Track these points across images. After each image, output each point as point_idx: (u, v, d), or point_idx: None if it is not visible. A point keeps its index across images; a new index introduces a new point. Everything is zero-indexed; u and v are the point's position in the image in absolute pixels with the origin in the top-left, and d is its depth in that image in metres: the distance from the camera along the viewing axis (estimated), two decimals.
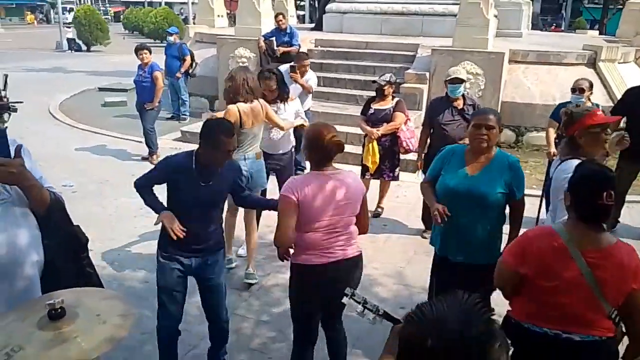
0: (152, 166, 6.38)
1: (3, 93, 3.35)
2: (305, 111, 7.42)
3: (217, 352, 3.49)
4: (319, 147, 2.89)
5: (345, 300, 1.68)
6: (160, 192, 3.22)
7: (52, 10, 44.64)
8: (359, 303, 1.67)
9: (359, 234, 3.09)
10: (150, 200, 3.20)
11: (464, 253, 3.22)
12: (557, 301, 2.25)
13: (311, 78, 7.30)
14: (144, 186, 3.21)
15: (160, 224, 3.08)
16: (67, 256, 2.26)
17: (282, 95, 5.22)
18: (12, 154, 1.97)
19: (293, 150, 5.55)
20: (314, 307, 3.09)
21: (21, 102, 3.24)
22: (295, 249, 2.97)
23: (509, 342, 1.22)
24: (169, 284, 3.18)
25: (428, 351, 1.16)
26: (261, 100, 4.65)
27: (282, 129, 5.00)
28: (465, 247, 3.21)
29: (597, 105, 5.62)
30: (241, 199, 3.46)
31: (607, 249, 2.21)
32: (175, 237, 2.98)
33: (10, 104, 3.08)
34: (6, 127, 2.18)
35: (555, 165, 3.27)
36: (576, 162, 3.00)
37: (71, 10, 44.00)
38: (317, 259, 2.93)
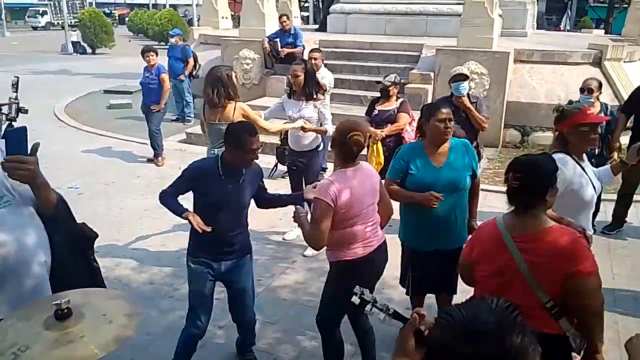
0: (158, 168, 6.38)
1: (14, 95, 3.40)
2: None
3: (245, 345, 3.60)
4: (342, 144, 2.96)
5: (354, 299, 1.67)
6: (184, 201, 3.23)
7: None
8: (369, 302, 1.66)
9: (388, 215, 3.27)
10: (172, 204, 3.21)
11: (439, 241, 3.40)
12: (494, 288, 2.25)
13: (325, 76, 7.12)
14: (168, 194, 3.23)
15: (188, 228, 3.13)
16: (75, 254, 2.29)
17: (307, 90, 5.02)
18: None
19: (320, 148, 5.37)
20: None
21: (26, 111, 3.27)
22: (337, 247, 3.04)
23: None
24: (200, 289, 3.24)
25: (464, 358, 1.14)
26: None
27: (265, 130, 4.78)
28: (441, 236, 3.40)
29: (607, 105, 5.60)
30: (266, 200, 3.46)
31: (538, 233, 2.19)
32: (200, 231, 3.00)
33: (21, 106, 3.12)
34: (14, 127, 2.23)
35: None
36: (561, 156, 3.01)
37: (44, 13, 44.35)
38: (363, 250, 3.04)
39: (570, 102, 5.07)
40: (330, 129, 4.88)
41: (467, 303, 1.24)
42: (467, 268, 2.47)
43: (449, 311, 1.23)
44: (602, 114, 5.09)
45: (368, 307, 1.65)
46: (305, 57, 10.35)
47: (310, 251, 5.00)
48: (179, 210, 3.16)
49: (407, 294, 3.73)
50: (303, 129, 4.93)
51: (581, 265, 2.10)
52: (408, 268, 3.61)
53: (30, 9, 48.13)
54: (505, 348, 1.13)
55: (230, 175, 3.10)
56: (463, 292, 3.34)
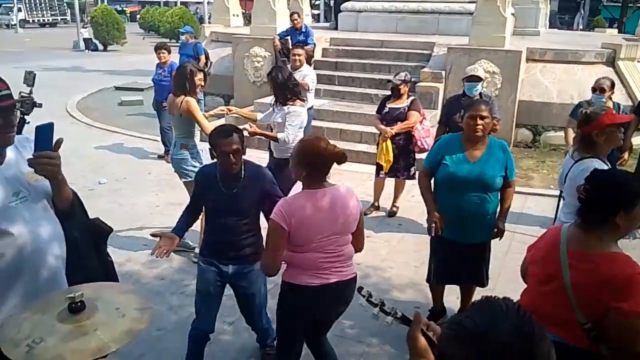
0: (169, 164, 6.39)
1: (28, 89, 3.43)
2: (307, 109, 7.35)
3: (263, 342, 3.63)
4: (316, 162, 2.65)
5: (362, 301, 1.66)
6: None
7: (69, 11, 45.05)
8: (376, 305, 1.63)
9: (355, 252, 2.88)
10: (180, 219, 3.29)
11: (468, 235, 3.53)
12: (537, 293, 2.23)
13: (308, 74, 7.06)
14: (187, 207, 3.33)
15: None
16: (91, 249, 2.31)
17: (278, 97, 4.89)
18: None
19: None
20: (301, 325, 2.95)
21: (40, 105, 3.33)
22: (288, 267, 2.80)
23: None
24: (205, 288, 3.24)
25: None
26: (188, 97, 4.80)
27: (203, 129, 4.77)
28: (470, 229, 3.50)
29: (619, 105, 5.56)
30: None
31: (593, 254, 2.05)
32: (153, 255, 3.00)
33: (36, 101, 3.15)
34: (28, 122, 2.25)
35: (568, 165, 3.27)
36: (596, 162, 3.01)
37: (19, 10, 42.06)
38: (310, 279, 2.72)
39: (588, 103, 5.06)
40: (285, 137, 4.67)
41: (476, 310, 1.20)
42: (523, 266, 2.44)
43: (459, 321, 1.18)
44: None
45: (375, 310, 1.62)
46: (317, 55, 10.41)
47: None
48: (175, 227, 3.23)
49: (427, 281, 3.91)
50: (248, 133, 4.57)
51: (627, 303, 1.93)
52: (432, 256, 3.78)
53: (2, 5, 43.63)
54: (526, 355, 1.11)
55: (227, 180, 3.05)
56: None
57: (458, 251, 3.57)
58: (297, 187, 2.83)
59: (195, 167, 4.71)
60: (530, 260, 2.34)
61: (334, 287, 2.74)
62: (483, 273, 3.73)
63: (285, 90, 4.78)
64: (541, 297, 2.20)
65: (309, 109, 7.26)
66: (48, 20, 45.82)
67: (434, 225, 3.49)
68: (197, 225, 5.19)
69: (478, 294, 3.78)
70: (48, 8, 45.58)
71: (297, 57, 6.92)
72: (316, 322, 3.01)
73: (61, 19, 47.21)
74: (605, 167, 3.03)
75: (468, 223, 3.48)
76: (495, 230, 3.56)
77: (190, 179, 4.67)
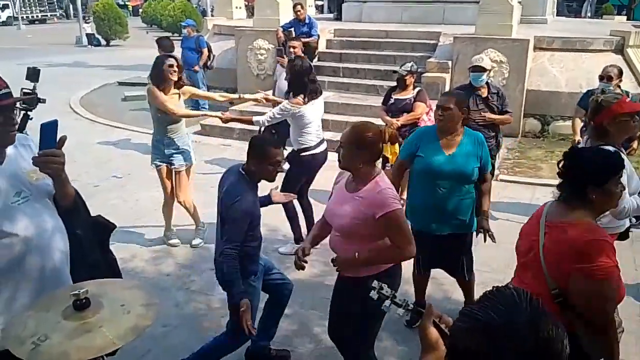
0: None
1: (32, 85, 3.41)
2: None
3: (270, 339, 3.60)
4: (376, 145, 2.69)
5: (372, 294, 1.63)
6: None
7: (71, 6, 44.97)
8: (388, 297, 1.62)
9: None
10: (236, 279, 3.00)
11: (442, 225, 3.53)
12: (520, 263, 2.33)
13: None
14: (233, 259, 2.98)
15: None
16: (94, 246, 2.30)
17: (290, 90, 4.91)
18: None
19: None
20: None
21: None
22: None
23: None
24: (257, 305, 3.27)
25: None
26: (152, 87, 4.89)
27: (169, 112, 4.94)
28: (445, 220, 3.51)
29: (627, 93, 5.47)
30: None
31: (566, 223, 2.13)
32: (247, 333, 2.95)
33: (40, 97, 3.12)
34: (32, 118, 2.28)
35: None
36: (611, 149, 2.93)
37: (5, 7, 40.84)
38: None
39: (603, 91, 4.95)
40: (260, 119, 4.75)
41: (489, 301, 1.18)
42: (517, 243, 2.46)
43: (472, 313, 1.17)
44: None
45: (387, 302, 1.61)
46: (321, 47, 10.33)
47: (285, 248, 5.03)
48: (238, 291, 2.98)
49: (413, 274, 3.91)
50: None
51: (589, 265, 1.99)
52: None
53: None
54: (542, 346, 1.10)
55: (255, 186, 3.15)
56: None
57: (436, 242, 3.57)
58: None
59: (162, 154, 5.05)
60: (520, 236, 2.40)
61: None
62: (462, 265, 3.72)
63: (297, 82, 4.74)
64: (523, 269, 2.30)
65: None
66: (37, 17, 45.32)
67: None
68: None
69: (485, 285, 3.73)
70: (37, 4, 45.25)
71: (293, 50, 6.85)
72: None
73: (51, 15, 46.72)
74: (624, 158, 2.96)
75: (443, 213, 3.50)
76: (482, 229, 3.58)
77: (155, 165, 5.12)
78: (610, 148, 2.97)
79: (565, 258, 2.06)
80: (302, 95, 4.69)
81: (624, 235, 3.27)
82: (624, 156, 3.01)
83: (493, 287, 1.23)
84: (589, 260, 2.00)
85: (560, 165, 2.20)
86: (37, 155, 1.92)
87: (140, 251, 5.00)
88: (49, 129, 1.95)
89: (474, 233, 3.69)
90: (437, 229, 3.55)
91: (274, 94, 6.83)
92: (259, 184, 3.17)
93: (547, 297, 2.09)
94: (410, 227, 3.56)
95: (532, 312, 1.13)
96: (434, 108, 3.67)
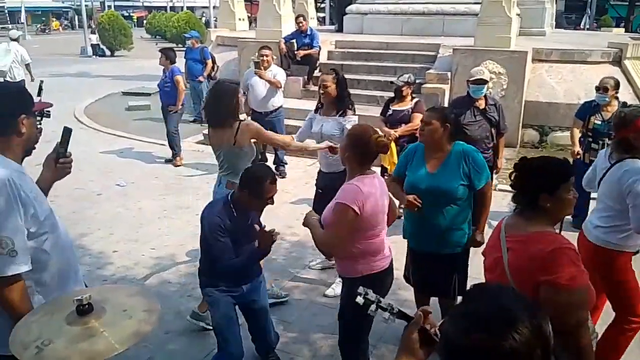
0: (176, 168, 6.38)
1: (38, 99, 3.46)
2: (277, 108, 7.33)
3: (269, 349, 3.58)
4: (364, 146, 2.80)
5: (358, 299, 1.66)
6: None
7: (76, 17, 45.23)
8: (373, 302, 1.65)
9: (390, 222, 3.08)
10: (245, 259, 3.09)
11: (431, 245, 3.42)
12: (487, 280, 2.29)
13: (278, 72, 7.24)
14: (230, 261, 3.05)
15: None
16: None
17: (338, 104, 4.45)
18: None
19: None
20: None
21: (51, 105, 3.31)
22: (360, 260, 2.86)
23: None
24: (227, 313, 3.22)
25: (503, 352, 1.12)
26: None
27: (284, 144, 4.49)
28: (432, 239, 3.40)
29: (624, 104, 5.53)
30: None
31: (527, 236, 2.11)
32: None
33: (45, 110, 3.18)
34: (41, 129, 2.45)
35: (604, 167, 3.24)
36: (639, 162, 2.99)
37: None
38: (383, 262, 2.93)
39: (625, 105, 4.90)
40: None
41: (476, 297, 1.23)
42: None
43: (465, 313, 1.20)
44: None
45: (372, 307, 1.63)
46: (322, 58, 10.43)
47: (332, 291, 4.42)
48: (254, 254, 3.09)
49: (407, 281, 3.82)
50: (331, 149, 4.06)
51: (554, 276, 1.96)
52: (409, 267, 3.71)
53: None
54: (537, 330, 1.15)
55: (244, 212, 3.11)
56: None
57: (427, 261, 3.50)
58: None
59: None
60: (484, 254, 2.39)
61: (392, 261, 2.99)
62: (453, 285, 3.51)
63: (345, 95, 4.49)
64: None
65: (278, 108, 7.33)
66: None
67: (409, 202, 3.32)
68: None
69: None
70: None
71: (265, 58, 7.05)
72: None
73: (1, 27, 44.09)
74: None
75: (433, 233, 3.38)
76: (473, 242, 3.49)
77: None
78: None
79: (530, 272, 2.03)
80: (349, 108, 4.50)
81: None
82: None
83: (472, 285, 1.27)
84: (554, 270, 1.97)
85: (511, 177, 2.20)
86: (59, 156, 2.31)
87: (142, 259, 5.06)
88: (68, 135, 2.32)
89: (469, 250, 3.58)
90: (427, 247, 3.47)
91: (246, 103, 7.09)
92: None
93: None
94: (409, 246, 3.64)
95: (521, 300, 1.19)
96: None
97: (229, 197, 3.11)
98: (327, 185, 4.27)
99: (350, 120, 4.38)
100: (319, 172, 4.63)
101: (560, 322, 1.91)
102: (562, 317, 1.93)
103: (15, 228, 1.97)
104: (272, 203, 3.07)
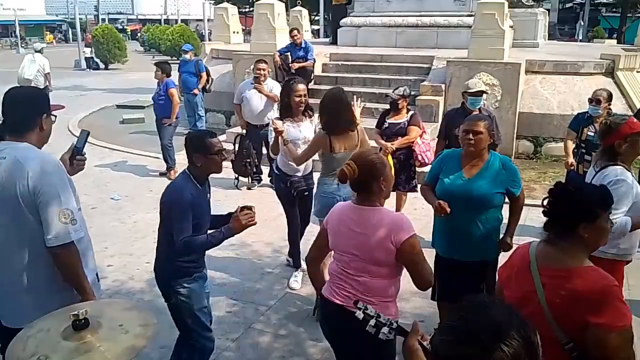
0: (169, 182, 6.38)
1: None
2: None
3: None
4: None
5: (358, 314, 1.66)
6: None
7: (70, 30, 45.30)
8: (372, 317, 1.64)
9: (423, 288, 2.74)
10: (209, 237, 3.00)
11: (463, 252, 3.41)
12: None
13: (274, 86, 7.29)
14: (191, 240, 2.97)
15: None
16: None
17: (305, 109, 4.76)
18: None
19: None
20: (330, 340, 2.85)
21: (63, 107, 3.30)
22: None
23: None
24: (205, 304, 3.23)
25: None
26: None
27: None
28: (464, 247, 3.39)
29: (609, 113, 5.57)
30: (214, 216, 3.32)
31: (566, 271, 1.96)
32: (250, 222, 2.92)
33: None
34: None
35: (591, 175, 3.27)
36: (619, 168, 3.00)
37: None
38: (326, 291, 2.68)
39: (609, 114, 4.96)
40: None
41: (464, 311, 1.23)
42: (498, 289, 2.29)
43: (454, 327, 1.20)
44: None
45: (372, 322, 1.63)
46: (317, 70, 10.48)
47: (295, 283, 4.76)
48: (221, 235, 2.97)
49: (432, 298, 3.77)
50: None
51: (604, 318, 1.85)
52: (436, 276, 3.57)
53: None
54: (527, 344, 1.15)
55: (204, 186, 3.10)
56: None
57: (456, 268, 3.47)
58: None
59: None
60: (504, 284, 2.21)
61: (335, 311, 2.55)
62: (481, 292, 3.51)
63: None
64: None
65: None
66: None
67: (438, 205, 3.32)
68: None
69: None
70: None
71: (261, 72, 7.15)
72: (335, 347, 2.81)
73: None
74: (629, 175, 3.01)
75: (464, 240, 3.38)
76: (503, 245, 3.50)
77: None
78: (619, 171, 3.00)
79: (576, 311, 1.89)
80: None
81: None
82: (633, 176, 3.06)
83: (463, 298, 1.28)
84: (603, 312, 1.85)
85: (546, 203, 2.05)
86: (75, 153, 2.74)
87: (137, 273, 5.02)
88: (86, 135, 2.86)
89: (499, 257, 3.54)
90: (457, 255, 3.44)
91: (241, 115, 7.33)
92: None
93: (559, 350, 1.94)
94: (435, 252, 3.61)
95: (511, 313, 1.19)
96: (429, 131, 3.65)
97: (186, 171, 3.07)
98: (309, 186, 4.75)
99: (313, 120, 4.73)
100: (300, 177, 4.74)
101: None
102: (612, 357, 1.87)
103: (72, 200, 2.43)
104: (225, 158, 3.11)
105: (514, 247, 2.40)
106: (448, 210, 3.28)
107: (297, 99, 4.59)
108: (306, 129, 4.67)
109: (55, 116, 2.65)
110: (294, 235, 4.90)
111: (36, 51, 12.01)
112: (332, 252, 2.74)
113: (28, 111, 2.48)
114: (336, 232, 2.63)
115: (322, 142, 4.14)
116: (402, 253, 2.47)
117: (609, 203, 2.06)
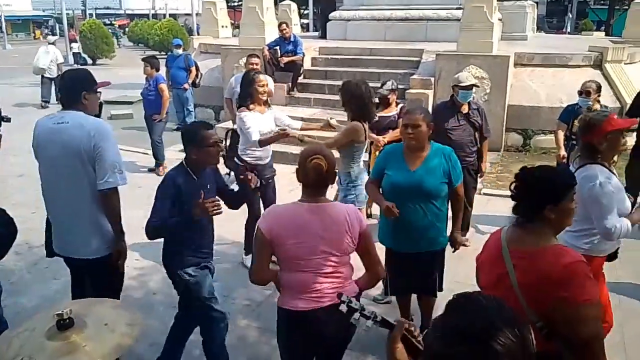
0: (159, 177, 6.34)
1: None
2: None
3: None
4: (301, 169, 2.54)
5: (342, 307, 1.66)
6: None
7: (57, 26, 44.84)
8: (357, 310, 1.64)
9: (374, 279, 2.74)
10: (172, 222, 3.07)
11: (413, 243, 3.49)
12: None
13: (268, 81, 7.26)
14: (160, 225, 3.10)
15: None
16: None
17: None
18: None
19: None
20: (305, 355, 2.74)
21: (109, 83, 3.40)
22: (282, 291, 2.64)
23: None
24: (210, 288, 3.28)
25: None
26: None
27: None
28: (413, 238, 3.46)
29: (606, 107, 5.61)
30: (232, 195, 3.52)
31: (535, 251, 2.03)
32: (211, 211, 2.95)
33: (3, 116, 3.27)
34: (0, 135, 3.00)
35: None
36: (598, 168, 2.97)
37: None
38: (304, 304, 2.53)
39: (589, 109, 4.96)
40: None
41: (459, 307, 1.22)
42: (476, 274, 2.34)
43: (448, 323, 1.20)
44: None
45: (356, 315, 1.63)
46: (306, 64, 10.44)
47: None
48: (183, 220, 3.04)
49: (385, 294, 3.92)
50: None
51: (571, 292, 1.90)
52: (387, 269, 3.60)
53: None
54: (520, 341, 1.15)
55: (200, 176, 3.16)
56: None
57: (407, 261, 3.54)
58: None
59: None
60: (479, 268, 2.30)
61: (330, 312, 2.41)
62: (434, 282, 3.64)
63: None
64: None
65: None
66: None
67: (386, 208, 3.33)
68: None
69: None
70: None
71: (254, 67, 7.03)
72: (322, 353, 2.76)
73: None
74: (608, 174, 2.96)
75: (413, 232, 3.44)
76: (453, 242, 3.60)
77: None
78: (598, 171, 2.96)
79: (544, 288, 1.94)
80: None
81: (612, 256, 3.20)
82: (614, 175, 3.01)
83: (454, 295, 1.27)
84: (569, 286, 1.91)
85: (513, 188, 2.12)
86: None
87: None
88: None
89: (448, 247, 3.67)
90: (408, 247, 3.52)
91: (232, 109, 7.26)
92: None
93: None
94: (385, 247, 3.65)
95: (505, 310, 1.19)
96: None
97: (182, 162, 3.19)
98: (271, 174, 5.15)
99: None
100: (264, 165, 5.03)
101: (577, 336, 1.91)
102: (579, 332, 1.91)
103: (119, 155, 3.18)
104: (221, 149, 3.25)
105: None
106: (397, 212, 3.32)
107: (261, 89, 4.82)
108: (270, 119, 4.96)
109: (100, 92, 3.25)
110: (254, 224, 4.94)
111: (49, 43, 14.40)
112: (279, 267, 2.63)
113: (72, 88, 3.11)
114: (295, 242, 2.48)
115: (360, 130, 4.27)
116: (362, 239, 2.59)
117: (572, 184, 2.12)
